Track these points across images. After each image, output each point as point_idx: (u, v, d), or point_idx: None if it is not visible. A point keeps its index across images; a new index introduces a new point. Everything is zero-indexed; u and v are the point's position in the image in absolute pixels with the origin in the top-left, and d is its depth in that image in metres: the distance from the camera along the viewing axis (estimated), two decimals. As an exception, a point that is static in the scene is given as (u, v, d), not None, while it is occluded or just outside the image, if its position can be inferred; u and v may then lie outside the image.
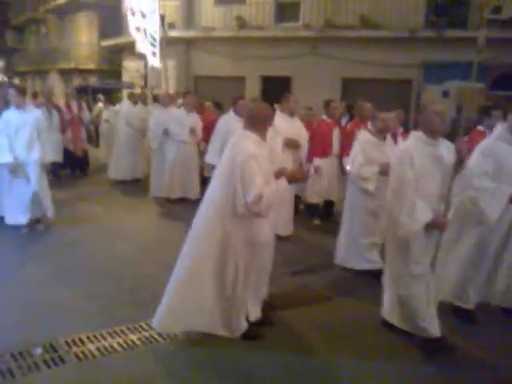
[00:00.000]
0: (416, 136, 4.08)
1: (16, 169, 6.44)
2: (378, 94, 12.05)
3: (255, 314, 4.21)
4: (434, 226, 3.92)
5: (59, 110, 10.62)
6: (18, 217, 6.72)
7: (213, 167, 6.15)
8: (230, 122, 7.13)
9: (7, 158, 6.36)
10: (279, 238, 5.22)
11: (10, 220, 6.80)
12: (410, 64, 14.42)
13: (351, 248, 5.74)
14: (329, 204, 8.19)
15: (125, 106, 11.42)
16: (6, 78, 37.47)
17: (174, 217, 8.11)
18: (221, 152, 5.60)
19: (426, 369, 3.84)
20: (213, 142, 7.41)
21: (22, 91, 6.80)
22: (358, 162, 5.45)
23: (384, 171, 5.22)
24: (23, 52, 35.67)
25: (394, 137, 6.14)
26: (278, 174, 3.94)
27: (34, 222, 6.83)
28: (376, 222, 5.53)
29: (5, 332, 4.09)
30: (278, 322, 4.39)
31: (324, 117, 7.86)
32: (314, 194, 7.84)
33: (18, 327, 4.17)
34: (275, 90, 14.56)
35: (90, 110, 14.68)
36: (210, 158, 7.35)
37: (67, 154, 10.71)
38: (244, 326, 4.05)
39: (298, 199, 7.90)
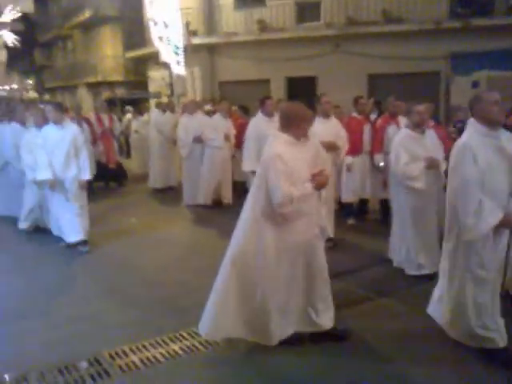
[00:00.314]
0: (474, 129, 3.71)
1: (55, 185, 6.50)
2: (405, 89, 11.86)
3: (317, 323, 3.97)
4: (505, 225, 3.56)
5: (89, 123, 10.74)
6: (62, 230, 6.81)
7: (251, 173, 6.13)
8: (259, 124, 7.03)
9: (46, 175, 6.45)
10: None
11: (54, 231, 7.04)
12: (437, 56, 14.13)
13: (401, 249, 5.60)
14: (363, 202, 8.10)
15: (154, 114, 11.65)
16: (37, 95, 38.42)
17: (207, 224, 8.14)
18: (257, 157, 5.54)
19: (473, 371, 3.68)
20: (247, 149, 7.13)
21: (59, 107, 6.81)
22: (402, 161, 5.18)
23: (430, 166, 5.10)
24: (52, 69, 36.45)
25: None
26: (315, 176, 3.75)
27: (82, 243, 6.72)
28: (426, 220, 5.34)
29: (51, 348, 4.14)
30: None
31: (354, 114, 7.78)
32: (349, 193, 7.72)
33: (63, 342, 4.22)
34: (300, 91, 14.58)
35: (120, 121, 14.85)
36: (246, 165, 6.97)
37: (100, 166, 10.77)
38: (281, 333, 3.89)
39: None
